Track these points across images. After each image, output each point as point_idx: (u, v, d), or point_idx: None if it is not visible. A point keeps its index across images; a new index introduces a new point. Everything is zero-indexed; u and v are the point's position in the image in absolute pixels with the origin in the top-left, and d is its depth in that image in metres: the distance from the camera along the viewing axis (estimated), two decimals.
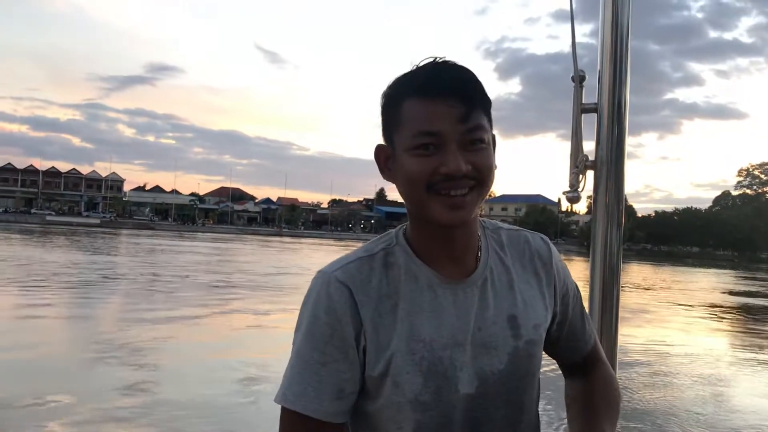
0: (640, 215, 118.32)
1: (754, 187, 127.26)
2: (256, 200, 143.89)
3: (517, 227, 1.32)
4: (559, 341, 1.32)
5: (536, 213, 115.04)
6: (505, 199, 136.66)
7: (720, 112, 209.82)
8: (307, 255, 43.17)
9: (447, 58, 1.13)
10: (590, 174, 1.75)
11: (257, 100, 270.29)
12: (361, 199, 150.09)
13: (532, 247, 1.28)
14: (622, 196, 1.74)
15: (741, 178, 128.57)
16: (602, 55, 1.72)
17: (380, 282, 1.15)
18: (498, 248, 1.25)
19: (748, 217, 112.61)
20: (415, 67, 1.14)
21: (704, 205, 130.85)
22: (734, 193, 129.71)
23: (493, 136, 1.16)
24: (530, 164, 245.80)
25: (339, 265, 1.17)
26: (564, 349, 1.35)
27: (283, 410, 1.13)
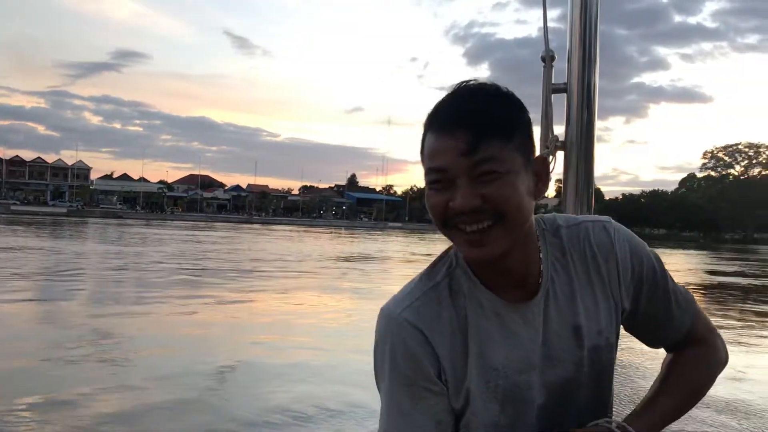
0: (607, 198, 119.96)
1: (719, 169, 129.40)
2: (226, 187, 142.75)
3: (579, 220, 1.23)
4: (638, 330, 1.27)
5: None
6: None
7: (685, 95, 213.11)
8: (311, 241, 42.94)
9: (480, 80, 1.09)
10: (560, 155, 1.76)
11: (226, 87, 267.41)
12: (333, 185, 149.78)
13: (592, 244, 1.19)
14: (591, 177, 1.76)
15: (706, 161, 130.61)
16: (571, 35, 1.73)
17: (450, 316, 1.14)
18: (560, 255, 1.19)
19: (713, 198, 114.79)
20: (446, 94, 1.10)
21: (670, 188, 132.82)
22: (699, 175, 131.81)
23: (541, 159, 1.11)
24: None
25: (406, 304, 1.15)
26: (648, 338, 1.28)
27: None
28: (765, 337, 13.72)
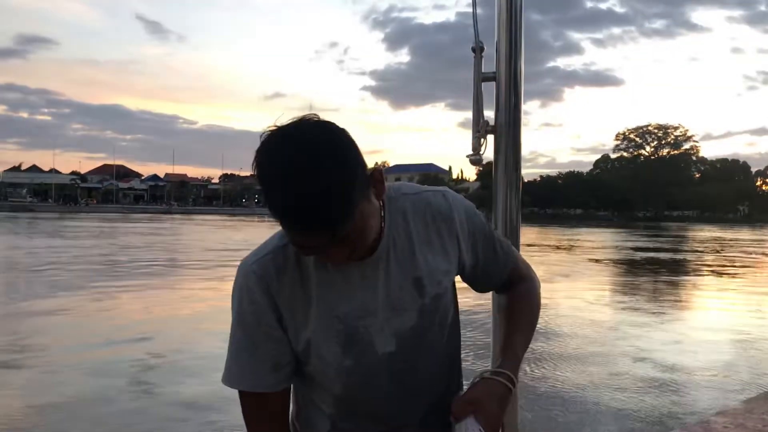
0: (526, 180, 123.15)
1: (630, 150, 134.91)
2: (143, 177, 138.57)
3: (421, 189, 1.38)
4: (477, 279, 1.45)
5: (429, 181, 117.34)
6: (399, 169, 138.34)
7: (598, 79, 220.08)
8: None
9: (289, 132, 1.10)
10: (490, 139, 1.88)
11: (140, 73, 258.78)
12: (254, 173, 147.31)
13: (433, 209, 1.35)
14: (519, 159, 1.89)
15: (618, 142, 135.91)
16: (499, 27, 1.85)
17: (293, 271, 1.27)
18: (401, 219, 1.33)
19: (625, 178, 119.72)
20: (263, 155, 1.11)
21: (586, 169, 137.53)
22: (612, 156, 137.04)
23: (377, 171, 1.18)
24: (421, 134, 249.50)
25: (257, 257, 1.28)
26: (484, 283, 1.48)
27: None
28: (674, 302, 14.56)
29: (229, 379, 1.30)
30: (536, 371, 8.08)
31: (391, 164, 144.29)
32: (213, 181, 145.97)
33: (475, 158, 1.87)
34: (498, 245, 1.45)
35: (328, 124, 1.12)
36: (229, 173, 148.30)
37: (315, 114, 1.13)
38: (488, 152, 1.89)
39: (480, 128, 1.85)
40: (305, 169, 1.04)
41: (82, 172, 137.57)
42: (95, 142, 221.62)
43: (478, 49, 1.84)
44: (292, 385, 1.38)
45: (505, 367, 1.32)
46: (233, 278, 1.30)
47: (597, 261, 26.26)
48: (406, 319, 1.31)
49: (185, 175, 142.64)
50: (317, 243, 1.11)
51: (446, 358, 1.42)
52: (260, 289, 1.25)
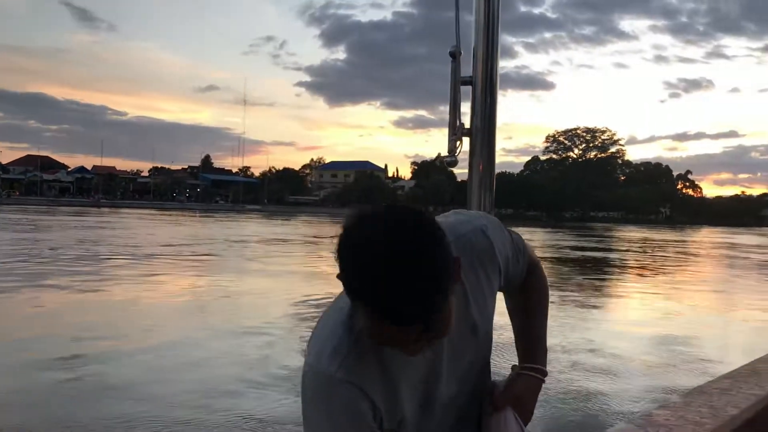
0: (459, 180, 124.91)
1: (559, 152, 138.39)
2: (69, 169, 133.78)
3: (463, 231, 1.35)
4: (502, 288, 1.49)
5: (365, 179, 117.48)
6: (335, 165, 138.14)
7: (530, 82, 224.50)
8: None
9: (390, 230, 1.06)
10: (466, 141, 1.94)
11: (67, 62, 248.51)
12: (186, 166, 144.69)
13: (477, 251, 1.35)
14: (493, 160, 1.95)
15: (548, 144, 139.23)
16: (477, 31, 1.91)
17: (375, 365, 1.22)
18: None
19: (554, 180, 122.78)
20: (371, 276, 1.04)
21: (517, 170, 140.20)
22: (542, 158, 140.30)
23: (457, 258, 1.13)
24: (357, 131, 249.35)
25: (337, 362, 1.19)
26: (508, 287, 1.51)
27: None
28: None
29: None
30: None
31: (327, 161, 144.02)
32: (143, 174, 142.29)
33: (451, 160, 1.92)
34: (519, 252, 1.48)
35: (424, 216, 1.11)
36: (159, 166, 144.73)
37: (403, 204, 1.15)
38: (464, 153, 1.94)
39: (456, 131, 1.90)
40: (410, 266, 1.03)
41: (4, 162, 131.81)
42: (17, 132, 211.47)
43: (457, 53, 1.89)
44: None
45: (538, 362, 1.44)
46: None
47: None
48: (465, 361, 1.37)
49: (114, 167, 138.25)
50: (408, 337, 1.08)
51: (486, 367, 1.48)
52: (356, 398, 1.19)
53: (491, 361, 1.52)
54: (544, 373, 1.45)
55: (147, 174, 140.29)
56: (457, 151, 1.92)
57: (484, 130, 1.92)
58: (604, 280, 20.86)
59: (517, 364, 1.50)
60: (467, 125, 1.93)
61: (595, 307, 15.21)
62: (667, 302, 16.60)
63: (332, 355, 1.19)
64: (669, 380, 8.29)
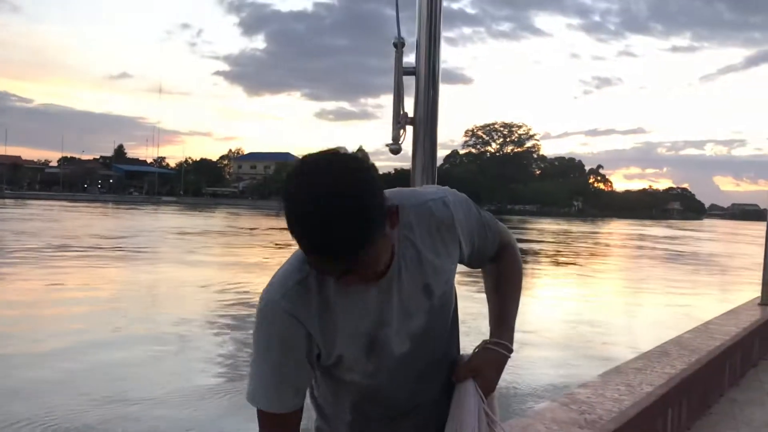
0: (381, 173, 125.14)
1: (478, 146, 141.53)
2: None
3: (424, 199, 1.44)
4: (472, 261, 1.56)
5: (285, 170, 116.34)
6: (254, 157, 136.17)
7: (449, 76, 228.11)
8: None
9: (320, 164, 1.19)
10: (409, 130, 2.00)
11: None
12: (98, 157, 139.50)
13: (436, 219, 1.43)
14: (435, 148, 2.02)
15: (467, 138, 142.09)
16: (419, 22, 1.97)
17: (317, 300, 1.34)
18: (408, 232, 1.40)
19: (473, 173, 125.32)
20: (298, 192, 1.18)
21: (437, 164, 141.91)
22: (461, 152, 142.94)
23: (393, 208, 1.25)
24: (277, 122, 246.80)
25: (283, 291, 1.33)
26: (478, 262, 1.59)
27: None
28: None
29: (255, 400, 1.38)
30: None
31: (246, 152, 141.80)
32: (51, 164, 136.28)
33: (395, 147, 1.97)
34: (487, 228, 1.55)
35: (356, 160, 1.22)
36: (69, 156, 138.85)
37: (343, 147, 1.25)
38: (407, 142, 2.00)
39: (400, 119, 1.95)
40: (334, 203, 1.15)
41: None
42: None
43: (399, 44, 1.94)
44: (310, 400, 1.51)
45: (503, 338, 1.51)
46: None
47: None
48: (417, 321, 1.43)
49: (19, 157, 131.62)
50: (339, 268, 1.21)
51: (451, 340, 1.55)
52: (291, 324, 1.33)
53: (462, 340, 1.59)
54: (509, 349, 1.51)
55: (56, 164, 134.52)
56: (401, 139, 1.97)
57: (427, 119, 1.98)
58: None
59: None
60: (410, 114, 1.99)
61: None
62: (580, 289, 17.34)
63: (280, 286, 1.34)
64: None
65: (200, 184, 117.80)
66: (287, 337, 1.33)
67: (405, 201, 1.40)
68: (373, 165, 1.24)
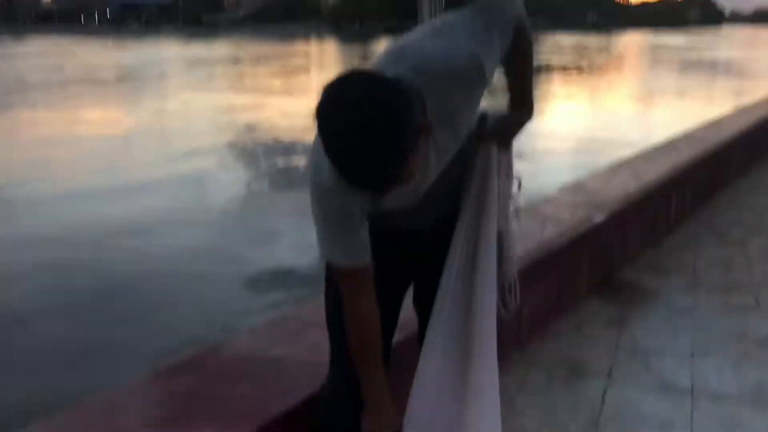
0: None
1: None
2: None
3: (446, 56, 1.39)
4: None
5: None
6: None
7: None
8: None
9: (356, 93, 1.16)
10: None
11: None
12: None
13: (458, 72, 1.40)
14: None
15: None
16: None
17: None
18: (439, 88, 1.37)
19: None
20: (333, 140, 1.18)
21: None
22: None
23: (422, 124, 1.24)
24: None
25: (326, 169, 1.31)
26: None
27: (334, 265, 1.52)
28: None
29: (335, 259, 1.49)
30: None
31: None
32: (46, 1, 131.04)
33: None
34: (508, 25, 1.55)
35: (391, 86, 1.18)
36: None
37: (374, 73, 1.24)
38: None
39: None
40: (366, 140, 1.13)
41: None
42: None
43: None
44: None
45: (526, 105, 1.65)
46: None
47: None
48: (448, 157, 1.51)
49: None
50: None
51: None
52: (345, 201, 1.38)
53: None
54: (531, 114, 1.63)
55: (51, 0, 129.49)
56: None
57: None
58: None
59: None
60: None
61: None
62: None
63: (323, 166, 1.34)
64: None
65: (201, 14, 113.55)
66: (343, 211, 1.41)
67: (426, 61, 1.37)
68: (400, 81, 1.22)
